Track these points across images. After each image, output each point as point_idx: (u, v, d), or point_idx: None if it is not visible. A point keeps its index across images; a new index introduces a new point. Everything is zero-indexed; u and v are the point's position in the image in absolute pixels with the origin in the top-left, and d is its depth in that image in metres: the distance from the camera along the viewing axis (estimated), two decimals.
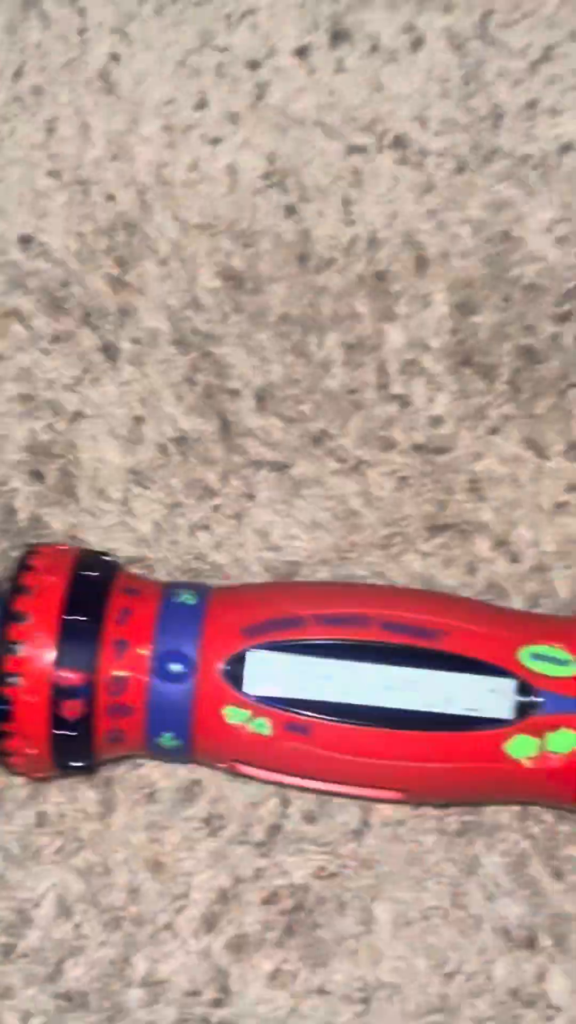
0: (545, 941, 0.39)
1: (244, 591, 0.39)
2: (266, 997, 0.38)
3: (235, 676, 0.36)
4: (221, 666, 0.36)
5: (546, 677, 0.36)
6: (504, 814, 0.40)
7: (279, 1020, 0.38)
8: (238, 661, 0.36)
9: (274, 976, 0.39)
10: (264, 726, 0.36)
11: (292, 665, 0.36)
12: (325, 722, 0.36)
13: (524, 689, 0.36)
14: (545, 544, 0.43)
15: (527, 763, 0.36)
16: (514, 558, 0.43)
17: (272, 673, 0.36)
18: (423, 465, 0.44)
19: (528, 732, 0.35)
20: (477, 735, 0.35)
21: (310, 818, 0.40)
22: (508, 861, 0.40)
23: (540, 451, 0.44)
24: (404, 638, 0.36)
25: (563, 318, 0.45)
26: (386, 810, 0.40)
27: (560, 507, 0.44)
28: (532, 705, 0.35)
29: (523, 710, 0.36)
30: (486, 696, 0.36)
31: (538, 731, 0.35)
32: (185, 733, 0.36)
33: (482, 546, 0.43)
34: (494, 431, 0.44)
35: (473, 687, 0.36)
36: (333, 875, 0.40)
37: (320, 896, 0.39)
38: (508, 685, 0.36)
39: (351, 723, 0.36)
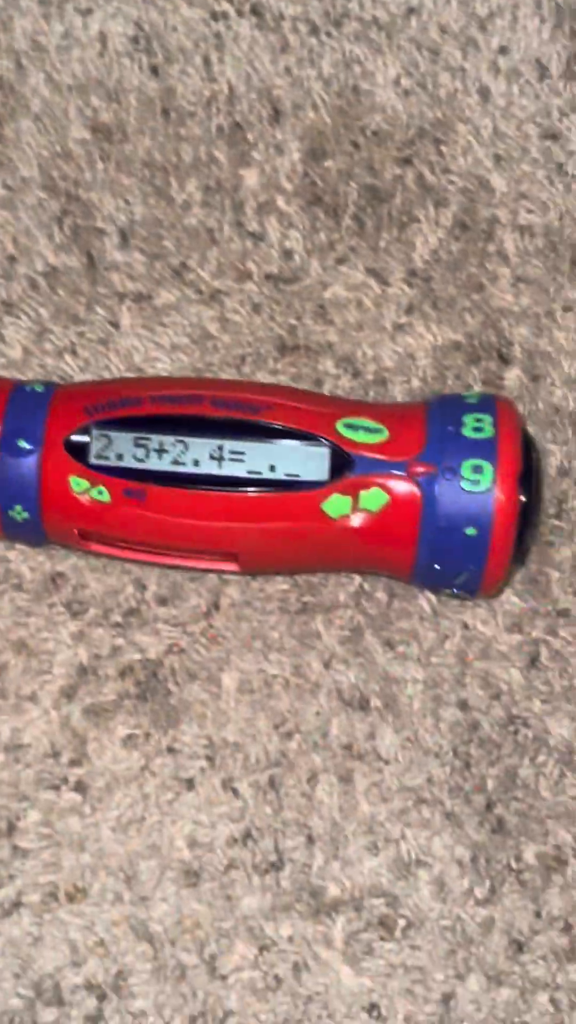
0: (376, 703, 0.42)
1: (88, 383, 0.42)
2: (120, 757, 0.42)
3: (79, 450, 0.40)
4: (65, 441, 0.40)
5: (358, 443, 0.39)
6: (341, 593, 0.44)
7: (131, 776, 0.42)
8: (82, 437, 0.40)
9: (128, 739, 0.42)
10: (104, 493, 0.39)
11: (130, 439, 0.39)
12: (158, 487, 0.39)
13: (339, 454, 0.39)
14: (385, 360, 0.47)
15: (343, 521, 0.39)
16: (357, 373, 0.47)
17: (112, 446, 0.39)
18: (275, 293, 0.48)
19: (343, 491, 0.39)
20: (297, 495, 0.39)
21: (163, 602, 0.44)
22: (344, 634, 0.43)
23: (382, 279, 0.48)
24: (232, 413, 0.39)
25: (406, 161, 0.49)
26: (233, 593, 0.44)
27: (399, 328, 0.47)
28: (345, 467, 0.39)
29: (337, 472, 0.39)
30: (305, 462, 0.39)
31: (352, 490, 0.39)
32: (34, 506, 0.40)
33: (327, 364, 0.47)
34: (341, 262, 0.48)
35: (294, 454, 0.39)
36: (183, 651, 0.43)
37: (172, 668, 0.43)
38: (324, 451, 0.39)
39: (182, 489, 0.39)
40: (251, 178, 0.49)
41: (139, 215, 0.48)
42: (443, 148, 0.49)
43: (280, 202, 0.49)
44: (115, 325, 0.47)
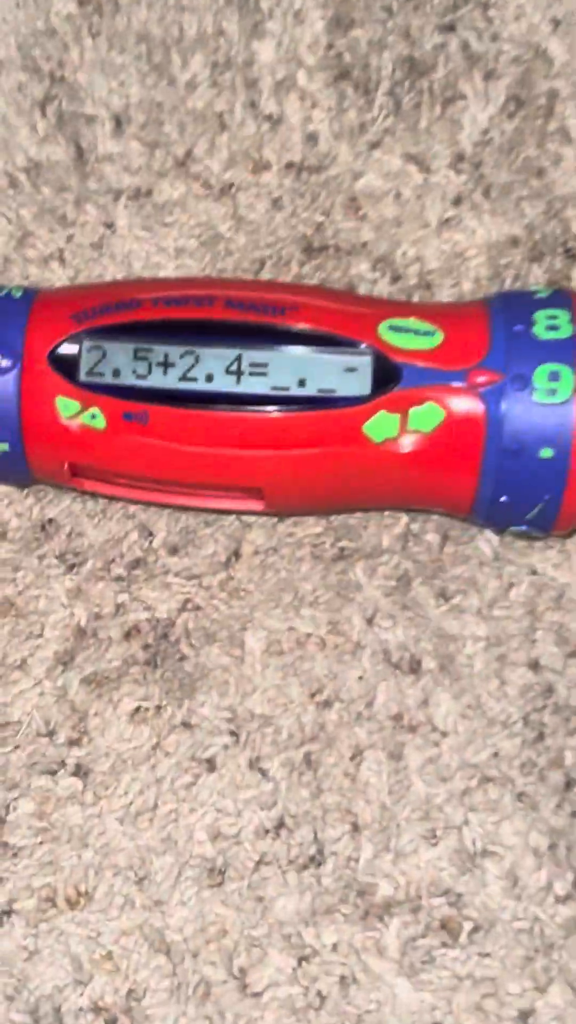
0: (429, 664, 0.36)
1: (77, 285, 0.35)
2: (127, 735, 0.35)
3: (67, 365, 0.33)
4: (50, 354, 0.33)
5: (406, 349, 0.32)
6: (385, 537, 0.37)
7: (141, 757, 0.35)
8: (70, 349, 0.33)
9: (136, 713, 0.35)
10: (98, 418, 0.32)
11: (129, 350, 0.33)
12: (164, 408, 0.32)
13: (383, 363, 0.32)
14: (430, 261, 0.40)
15: (389, 445, 0.32)
16: (396, 277, 0.39)
17: (107, 360, 0.33)
18: (298, 185, 0.40)
19: (389, 409, 0.32)
20: (333, 415, 0.32)
21: (174, 550, 0.37)
22: (389, 584, 0.36)
23: (424, 165, 0.41)
24: (250, 316, 0.32)
25: (448, 28, 0.42)
26: (257, 538, 0.37)
27: (445, 223, 0.40)
28: (390, 378, 0.32)
29: (382, 385, 0.32)
30: (342, 373, 0.32)
31: (400, 407, 0.32)
32: (15, 434, 0.33)
33: (362, 267, 0.40)
34: (374, 146, 0.41)
35: (328, 365, 0.32)
36: (199, 608, 0.36)
37: (186, 628, 0.36)
38: (365, 360, 0.32)
39: (194, 409, 0.32)
40: (266, 52, 0.41)
41: (135, 98, 0.41)
42: (491, 12, 0.42)
43: (301, 79, 0.41)
44: (110, 227, 0.40)
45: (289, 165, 0.41)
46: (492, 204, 0.40)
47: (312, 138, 0.41)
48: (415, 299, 0.39)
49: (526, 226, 0.40)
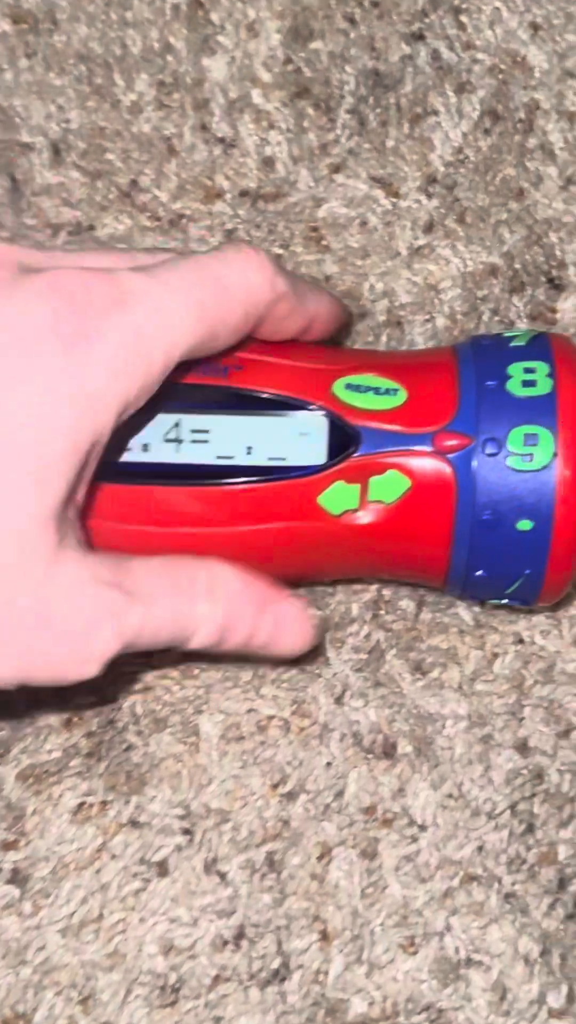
0: (405, 748, 0.32)
1: None
2: (69, 835, 0.32)
3: None
4: None
5: (365, 410, 0.29)
6: (354, 605, 0.33)
7: (85, 861, 0.32)
8: None
9: (78, 810, 0.32)
10: None
11: None
12: (94, 484, 0.29)
13: (339, 427, 0.29)
14: (399, 296, 0.36)
15: (348, 517, 0.29)
16: (364, 314, 0.36)
17: None
18: (253, 214, 0.37)
19: (347, 478, 0.29)
20: (285, 486, 0.29)
21: None
22: (359, 658, 0.33)
23: (392, 189, 0.37)
24: (190, 377, 0.29)
25: (416, 37, 0.38)
26: None
27: (416, 252, 0.36)
28: (348, 443, 0.29)
29: (338, 451, 0.29)
30: (293, 439, 0.29)
31: (359, 476, 0.29)
32: None
33: None
34: (337, 169, 0.37)
35: (277, 430, 0.29)
36: (149, 689, 0.33)
37: (133, 713, 0.33)
38: (319, 424, 0.29)
39: (129, 484, 0.29)
40: (217, 69, 0.38)
41: (75, 123, 0.38)
42: (464, 18, 0.39)
43: (256, 97, 0.38)
44: None
45: (244, 193, 0.37)
46: (467, 230, 0.37)
47: (269, 162, 0.37)
48: (384, 339, 0.36)
49: (505, 254, 0.36)
